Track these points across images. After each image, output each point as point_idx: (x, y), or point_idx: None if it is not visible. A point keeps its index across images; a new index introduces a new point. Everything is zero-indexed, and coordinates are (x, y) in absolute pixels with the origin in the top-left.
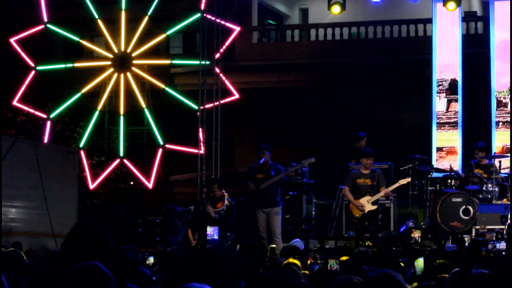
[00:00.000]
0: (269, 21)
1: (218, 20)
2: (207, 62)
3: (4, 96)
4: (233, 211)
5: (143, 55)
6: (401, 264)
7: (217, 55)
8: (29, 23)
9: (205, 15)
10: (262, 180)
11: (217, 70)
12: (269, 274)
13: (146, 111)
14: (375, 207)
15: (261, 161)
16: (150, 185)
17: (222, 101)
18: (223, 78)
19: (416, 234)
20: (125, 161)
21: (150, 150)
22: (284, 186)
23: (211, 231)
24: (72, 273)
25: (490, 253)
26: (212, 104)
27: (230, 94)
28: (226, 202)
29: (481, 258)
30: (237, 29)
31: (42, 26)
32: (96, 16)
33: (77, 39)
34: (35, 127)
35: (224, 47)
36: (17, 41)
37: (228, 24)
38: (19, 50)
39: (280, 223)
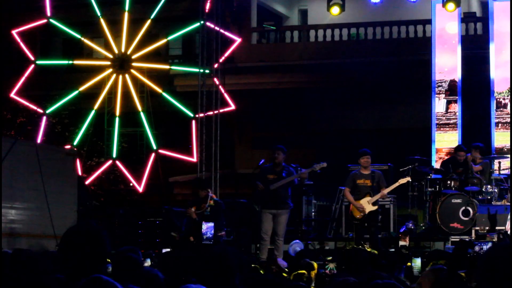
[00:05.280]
0: (266, 25)
1: (217, 28)
2: (207, 71)
3: (3, 97)
4: (220, 210)
5: (142, 57)
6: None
7: (216, 65)
8: (31, 18)
9: (205, 22)
10: (273, 181)
11: (217, 81)
12: (269, 276)
13: (142, 114)
14: (375, 207)
15: (270, 164)
16: (140, 189)
17: (219, 111)
18: (222, 90)
19: (403, 242)
20: (117, 162)
21: (149, 151)
22: (294, 188)
23: (205, 229)
24: None
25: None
26: (212, 113)
27: (230, 98)
28: (209, 202)
29: (468, 259)
30: (238, 40)
31: (44, 21)
32: (99, 14)
33: (78, 36)
34: (34, 129)
35: (223, 57)
36: (19, 35)
37: (228, 34)
38: (20, 42)
39: (285, 225)
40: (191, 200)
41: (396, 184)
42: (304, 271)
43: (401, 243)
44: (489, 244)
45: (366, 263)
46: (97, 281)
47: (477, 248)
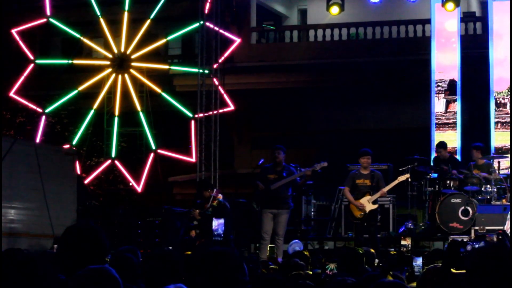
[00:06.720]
0: (266, 25)
1: (217, 28)
2: (206, 71)
3: (2, 96)
4: (224, 212)
5: (142, 57)
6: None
7: (216, 65)
8: (31, 18)
9: (205, 23)
10: (274, 181)
11: (216, 81)
12: (274, 276)
13: (141, 114)
14: (375, 206)
15: (270, 164)
16: (139, 189)
17: (218, 111)
18: (222, 91)
19: (405, 241)
20: (117, 162)
21: (148, 151)
22: (295, 188)
23: (216, 225)
24: (82, 276)
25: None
26: (211, 113)
27: (229, 98)
28: (212, 202)
29: (460, 258)
30: (237, 40)
31: (44, 20)
32: (98, 14)
33: (78, 36)
34: (33, 128)
35: (223, 57)
36: (18, 34)
37: (227, 34)
38: (19, 42)
39: (285, 225)
40: (200, 201)
41: (396, 182)
42: (301, 272)
43: (402, 242)
44: (482, 243)
45: (363, 262)
46: (101, 272)
47: (469, 248)
